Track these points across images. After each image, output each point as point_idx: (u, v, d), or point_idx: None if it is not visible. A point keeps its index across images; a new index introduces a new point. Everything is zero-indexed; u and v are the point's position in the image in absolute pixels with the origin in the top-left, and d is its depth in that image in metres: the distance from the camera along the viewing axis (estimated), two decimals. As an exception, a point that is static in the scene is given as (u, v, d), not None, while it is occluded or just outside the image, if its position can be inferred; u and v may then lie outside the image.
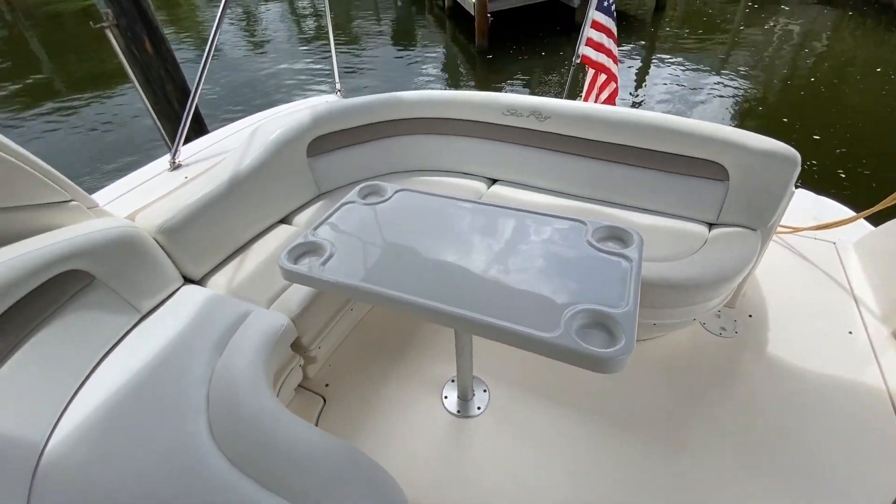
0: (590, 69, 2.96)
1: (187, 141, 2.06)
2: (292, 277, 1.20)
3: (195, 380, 1.30)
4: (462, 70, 8.35)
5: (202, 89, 1.92)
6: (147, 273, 1.52)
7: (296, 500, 1.02)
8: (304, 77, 7.84)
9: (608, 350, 0.89)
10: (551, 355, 0.94)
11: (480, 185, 2.19)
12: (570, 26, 9.08)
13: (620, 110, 1.89)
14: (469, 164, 2.25)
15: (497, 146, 2.15)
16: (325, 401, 1.75)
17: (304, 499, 1.02)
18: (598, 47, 2.83)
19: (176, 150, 1.88)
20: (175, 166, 1.87)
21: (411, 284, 1.10)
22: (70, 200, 1.44)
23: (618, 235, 1.24)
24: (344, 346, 1.92)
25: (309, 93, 7.18)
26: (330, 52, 2.79)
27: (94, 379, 1.32)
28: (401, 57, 8.80)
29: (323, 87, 7.44)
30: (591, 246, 1.20)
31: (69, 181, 1.44)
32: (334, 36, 2.64)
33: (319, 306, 1.62)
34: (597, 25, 2.81)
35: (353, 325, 1.95)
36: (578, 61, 2.89)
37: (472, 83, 7.84)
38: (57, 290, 1.31)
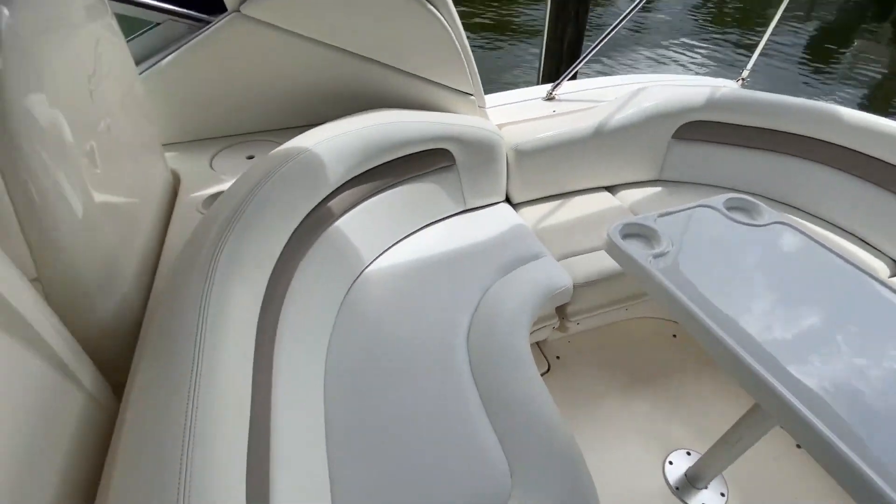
0: None
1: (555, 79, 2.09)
2: (615, 253, 1.11)
3: (476, 284, 1.41)
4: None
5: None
6: (487, 178, 1.69)
7: (505, 449, 1.02)
8: (687, 53, 7.13)
9: None
10: None
11: (880, 266, 1.55)
12: None
13: None
14: (877, 233, 1.61)
15: None
16: (549, 369, 1.71)
17: (514, 456, 1.00)
18: None
19: (558, 85, 1.96)
20: (549, 97, 1.96)
21: (748, 337, 0.88)
22: (471, 95, 1.69)
23: None
24: (595, 333, 1.80)
25: (673, 69, 6.53)
26: (756, 36, 2.33)
27: (410, 240, 1.58)
28: (817, 63, 6.94)
29: (690, 65, 6.64)
30: None
31: (479, 79, 1.67)
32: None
33: (604, 288, 1.51)
34: None
35: (617, 320, 1.79)
36: None
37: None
38: (428, 159, 1.58)
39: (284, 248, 1.10)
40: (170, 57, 1.42)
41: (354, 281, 1.41)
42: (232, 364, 0.77)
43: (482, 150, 1.62)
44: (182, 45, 1.41)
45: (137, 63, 1.34)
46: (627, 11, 1.82)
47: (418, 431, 1.03)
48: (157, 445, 0.61)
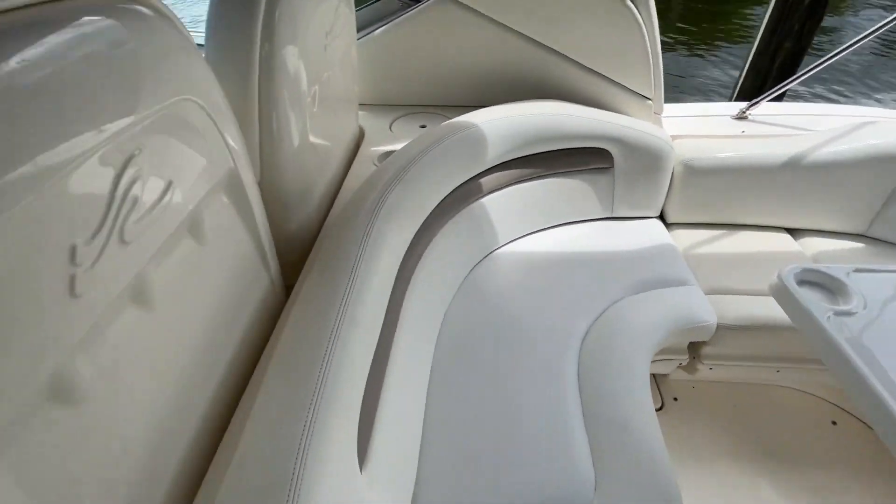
0: None
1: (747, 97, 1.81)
2: (783, 298, 0.97)
3: (604, 292, 1.35)
4: None
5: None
6: (644, 189, 1.59)
7: (595, 462, 0.98)
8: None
9: None
10: None
11: None
12: None
13: None
14: None
15: None
16: (661, 407, 1.57)
17: (603, 472, 0.97)
18: None
19: (756, 103, 1.72)
20: (741, 116, 1.74)
21: None
22: (649, 99, 1.59)
23: None
24: (730, 387, 1.59)
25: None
26: None
27: (545, 234, 1.55)
28: None
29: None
30: None
31: (662, 84, 1.57)
32: None
33: (756, 338, 1.32)
34: None
35: (762, 382, 1.56)
36: None
37: None
38: (585, 157, 1.54)
39: (434, 209, 1.20)
40: (381, 28, 1.63)
41: (482, 259, 1.47)
42: (374, 295, 0.89)
43: (647, 157, 1.53)
44: (393, 20, 1.62)
45: (357, 30, 1.58)
46: (874, 28, 1.50)
47: (513, 418, 1.04)
48: (310, 342, 0.75)
